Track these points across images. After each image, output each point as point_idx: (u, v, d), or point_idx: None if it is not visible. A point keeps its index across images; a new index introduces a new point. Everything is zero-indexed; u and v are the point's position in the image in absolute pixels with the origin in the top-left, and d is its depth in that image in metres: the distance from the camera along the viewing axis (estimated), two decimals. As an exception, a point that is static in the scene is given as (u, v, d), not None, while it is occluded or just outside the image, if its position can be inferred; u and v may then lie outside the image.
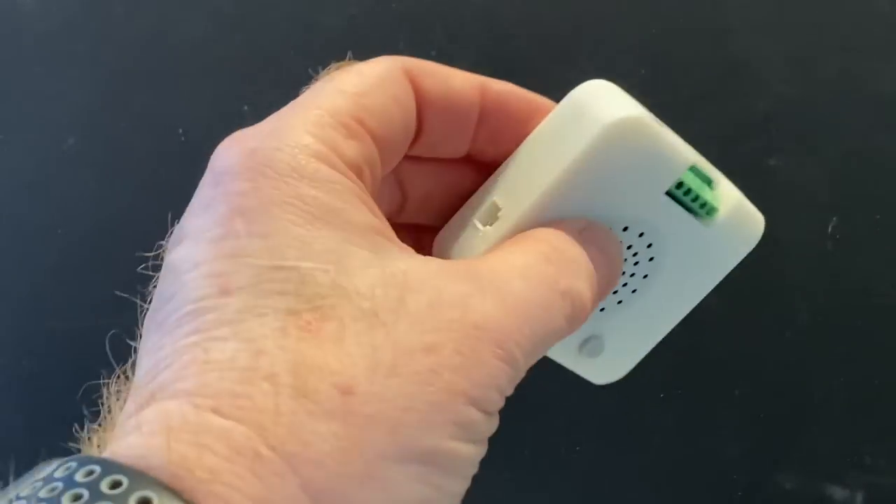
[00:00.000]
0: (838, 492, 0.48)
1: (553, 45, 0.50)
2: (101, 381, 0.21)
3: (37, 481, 0.17)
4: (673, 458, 0.49)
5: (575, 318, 0.23)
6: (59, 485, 0.16)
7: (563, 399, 0.47)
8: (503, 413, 0.23)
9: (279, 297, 0.19)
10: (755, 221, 0.29)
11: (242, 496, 0.16)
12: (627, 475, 0.50)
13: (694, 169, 0.27)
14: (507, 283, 0.21)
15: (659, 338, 0.30)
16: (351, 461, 0.17)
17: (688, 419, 0.49)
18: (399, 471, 0.18)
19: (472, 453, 0.20)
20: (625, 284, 0.28)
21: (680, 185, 0.27)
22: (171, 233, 0.22)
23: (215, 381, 0.18)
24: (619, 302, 0.28)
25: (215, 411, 0.17)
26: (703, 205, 0.27)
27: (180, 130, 0.52)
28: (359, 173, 0.22)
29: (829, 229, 0.48)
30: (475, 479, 0.24)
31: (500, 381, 0.20)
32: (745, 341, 0.49)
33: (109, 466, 0.16)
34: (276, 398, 0.17)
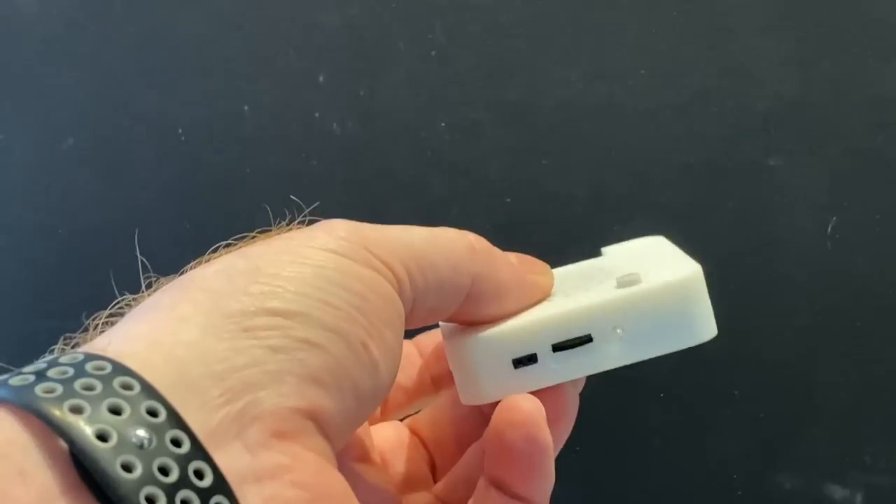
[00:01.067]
0: (838, 492, 0.48)
1: (553, 45, 0.50)
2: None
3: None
4: (673, 458, 0.49)
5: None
6: (70, 370, 0.19)
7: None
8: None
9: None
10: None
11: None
12: (627, 475, 0.50)
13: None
14: None
15: None
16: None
17: (688, 419, 0.49)
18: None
19: None
20: None
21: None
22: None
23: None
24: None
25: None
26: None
27: (180, 130, 0.52)
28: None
29: (829, 229, 0.48)
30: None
31: None
32: (745, 341, 0.49)
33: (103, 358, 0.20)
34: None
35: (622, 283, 0.27)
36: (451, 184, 0.51)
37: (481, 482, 0.26)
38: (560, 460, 0.27)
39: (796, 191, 0.48)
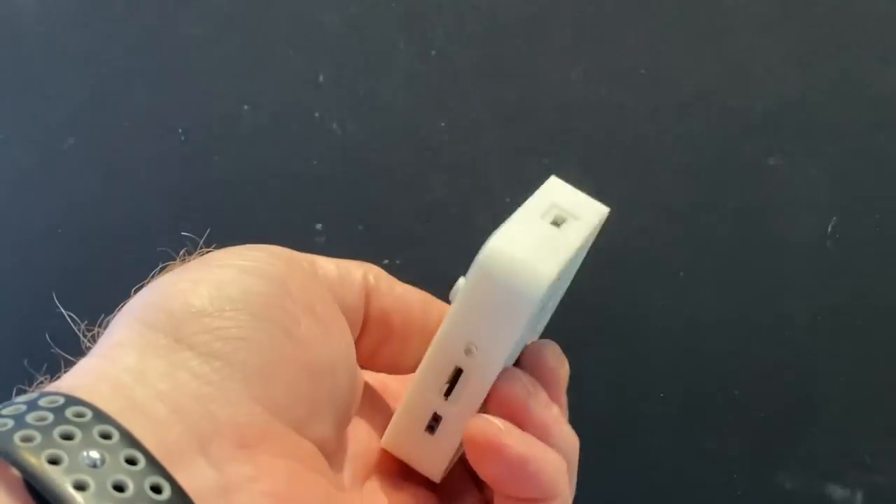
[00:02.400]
0: (838, 491, 0.48)
1: (553, 45, 0.50)
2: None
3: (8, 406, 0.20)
4: (673, 458, 0.49)
5: None
6: (23, 407, 0.20)
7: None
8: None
9: None
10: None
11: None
12: (627, 475, 0.50)
13: None
14: None
15: None
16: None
17: (688, 419, 0.49)
18: None
19: None
20: None
21: None
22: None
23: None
24: None
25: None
26: None
27: (180, 130, 0.52)
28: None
29: (829, 229, 0.48)
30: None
31: None
32: (745, 341, 0.49)
33: (70, 398, 0.20)
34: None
35: (453, 295, 0.25)
36: (451, 184, 0.51)
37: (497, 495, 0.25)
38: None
39: (796, 191, 0.48)
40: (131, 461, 0.18)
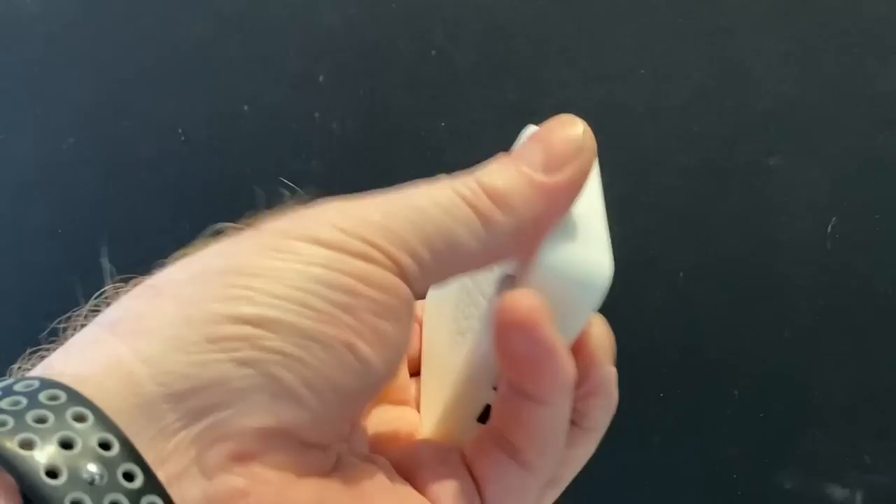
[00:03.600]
0: (838, 491, 0.48)
1: (553, 45, 0.50)
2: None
3: None
4: (673, 458, 0.49)
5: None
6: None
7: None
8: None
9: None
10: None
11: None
12: (627, 475, 0.50)
13: None
14: None
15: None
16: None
17: (688, 419, 0.49)
18: None
19: None
20: None
21: None
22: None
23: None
24: None
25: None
26: None
27: (180, 130, 0.52)
28: None
29: (829, 229, 0.48)
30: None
31: None
32: (745, 341, 0.49)
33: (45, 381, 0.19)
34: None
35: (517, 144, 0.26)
36: (451, 184, 0.51)
37: (503, 386, 0.24)
38: (560, 460, 0.27)
39: (796, 191, 0.48)
40: (129, 476, 0.18)
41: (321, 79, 0.51)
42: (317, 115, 0.52)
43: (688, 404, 0.49)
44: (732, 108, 0.49)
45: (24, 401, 0.19)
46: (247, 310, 0.20)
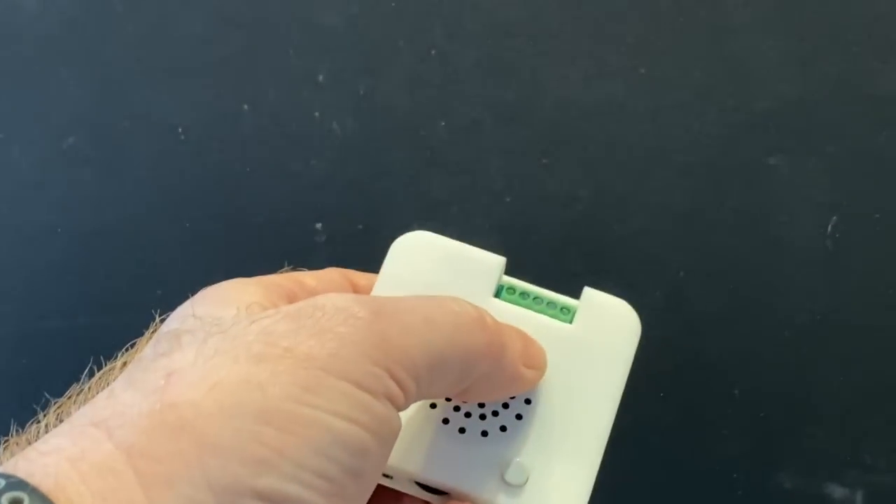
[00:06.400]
0: (838, 491, 0.48)
1: (553, 45, 0.50)
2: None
3: None
4: (673, 458, 0.49)
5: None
6: None
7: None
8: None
9: None
10: (623, 311, 0.29)
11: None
12: (627, 475, 0.50)
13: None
14: None
15: (594, 457, 0.30)
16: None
17: (688, 419, 0.49)
18: None
19: None
20: (513, 397, 0.28)
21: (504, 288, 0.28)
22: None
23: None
24: (518, 416, 0.28)
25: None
26: (551, 304, 0.28)
27: (180, 130, 0.52)
28: None
29: (829, 229, 0.48)
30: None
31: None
32: (745, 341, 0.49)
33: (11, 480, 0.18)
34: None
35: (508, 487, 0.27)
36: (451, 184, 0.51)
37: None
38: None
39: (796, 191, 0.48)
40: None
41: (321, 79, 0.51)
42: (317, 114, 0.52)
43: (688, 404, 0.49)
44: (732, 108, 0.49)
45: None
46: (270, 483, 0.19)
